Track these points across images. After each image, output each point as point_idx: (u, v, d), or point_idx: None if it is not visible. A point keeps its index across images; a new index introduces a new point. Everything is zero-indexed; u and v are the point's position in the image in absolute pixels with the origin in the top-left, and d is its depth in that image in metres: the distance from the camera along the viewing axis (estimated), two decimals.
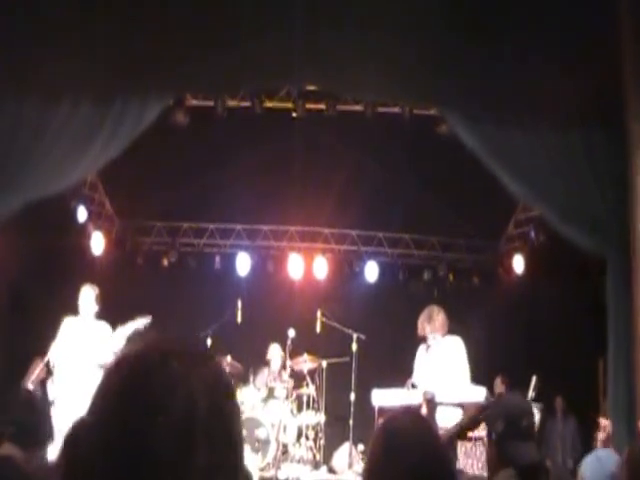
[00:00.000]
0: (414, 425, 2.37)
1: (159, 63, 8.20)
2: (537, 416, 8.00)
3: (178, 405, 1.15)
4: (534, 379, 8.30)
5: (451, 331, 8.49)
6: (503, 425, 3.50)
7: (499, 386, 10.75)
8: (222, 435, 1.18)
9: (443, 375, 8.02)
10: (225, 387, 1.25)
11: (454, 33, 8.07)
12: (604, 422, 5.69)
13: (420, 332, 8.43)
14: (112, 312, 8.71)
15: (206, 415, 1.16)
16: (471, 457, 6.80)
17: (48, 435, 4.21)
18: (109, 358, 7.98)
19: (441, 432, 3.92)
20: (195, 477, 1.13)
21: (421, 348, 8.44)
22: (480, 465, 7.27)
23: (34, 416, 4.18)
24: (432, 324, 8.38)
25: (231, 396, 1.26)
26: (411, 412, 2.53)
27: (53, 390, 8.17)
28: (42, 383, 8.35)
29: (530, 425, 3.49)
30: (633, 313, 7.79)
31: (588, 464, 4.37)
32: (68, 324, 8.35)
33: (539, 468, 3.43)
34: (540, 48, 7.97)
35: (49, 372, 8.23)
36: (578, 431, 11.31)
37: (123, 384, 1.17)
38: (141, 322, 8.29)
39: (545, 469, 3.48)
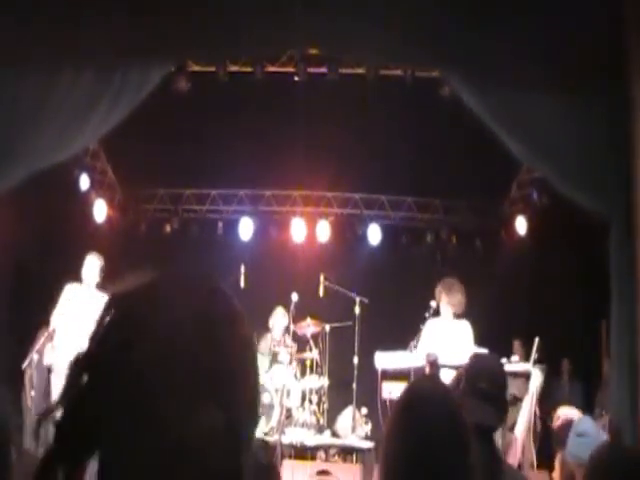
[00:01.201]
0: (437, 390, 2.42)
1: (160, 29, 8.13)
2: (540, 378, 8.06)
3: (160, 333, 1.12)
4: (537, 341, 8.32)
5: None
6: (463, 382, 3.64)
7: (517, 347, 10.75)
8: (213, 369, 1.12)
9: (450, 348, 8.07)
10: (222, 317, 1.18)
11: None
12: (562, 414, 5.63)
13: (437, 301, 8.47)
14: (115, 280, 8.74)
15: (193, 346, 1.11)
16: None
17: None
18: None
19: None
20: (178, 409, 1.09)
21: (429, 324, 8.46)
22: None
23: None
24: (450, 297, 8.40)
25: (229, 327, 1.18)
26: (435, 379, 2.61)
27: (51, 356, 8.21)
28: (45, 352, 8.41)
29: (490, 388, 3.59)
30: (636, 274, 7.79)
31: (572, 445, 4.37)
32: (69, 291, 8.36)
33: (488, 432, 3.49)
34: (541, 7, 7.90)
35: (52, 339, 8.29)
36: (584, 395, 11.36)
37: (113, 313, 1.18)
38: None
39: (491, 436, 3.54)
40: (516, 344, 10.82)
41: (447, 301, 8.44)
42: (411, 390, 2.46)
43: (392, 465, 2.32)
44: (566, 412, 5.62)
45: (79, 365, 1.17)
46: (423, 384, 2.50)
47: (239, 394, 1.15)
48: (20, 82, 8.12)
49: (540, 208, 11.84)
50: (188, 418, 1.10)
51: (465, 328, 8.46)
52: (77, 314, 8.08)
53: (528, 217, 12.25)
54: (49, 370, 8.26)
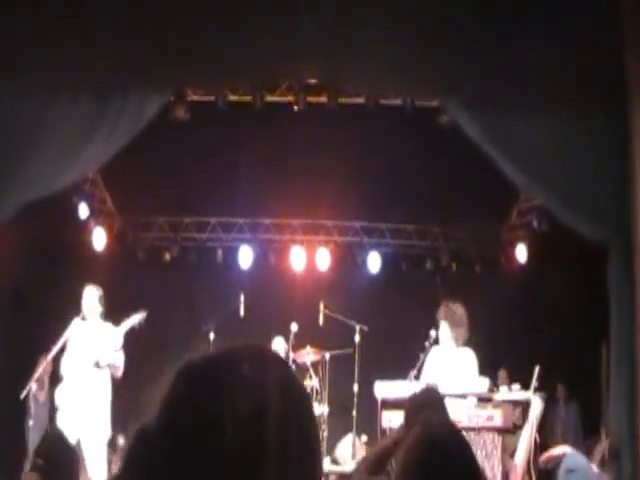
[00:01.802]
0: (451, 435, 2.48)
1: (159, 58, 8.17)
2: (540, 407, 8.00)
3: (249, 411, 1.10)
4: (537, 369, 8.26)
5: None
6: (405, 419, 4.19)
7: (502, 378, 10.73)
8: (297, 441, 1.14)
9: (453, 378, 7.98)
10: (299, 392, 1.21)
11: (454, 21, 8.04)
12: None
13: (438, 325, 8.36)
14: (115, 308, 8.72)
15: (279, 421, 1.12)
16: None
17: (71, 476, 4.20)
18: (109, 358, 7.98)
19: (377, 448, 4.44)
20: None
21: (432, 354, 8.37)
22: (484, 453, 7.27)
23: (63, 455, 4.18)
24: (457, 330, 8.26)
25: (305, 401, 1.22)
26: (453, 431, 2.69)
27: (60, 396, 8.14)
28: (44, 382, 8.36)
29: (436, 416, 3.79)
30: (635, 300, 7.79)
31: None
32: (73, 327, 8.29)
33: None
34: (540, 33, 7.94)
35: (53, 371, 8.23)
36: (580, 418, 11.34)
37: (191, 388, 1.14)
38: (136, 318, 8.27)
39: None
40: (501, 373, 10.79)
41: (449, 331, 8.35)
42: (427, 441, 2.51)
43: None
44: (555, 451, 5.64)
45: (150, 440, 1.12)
46: (437, 432, 2.59)
47: (318, 468, 1.20)
48: (17, 107, 8.13)
49: (540, 235, 11.85)
50: None
51: (469, 357, 8.34)
52: (82, 351, 8.03)
53: (528, 244, 12.26)
54: (56, 409, 8.17)
